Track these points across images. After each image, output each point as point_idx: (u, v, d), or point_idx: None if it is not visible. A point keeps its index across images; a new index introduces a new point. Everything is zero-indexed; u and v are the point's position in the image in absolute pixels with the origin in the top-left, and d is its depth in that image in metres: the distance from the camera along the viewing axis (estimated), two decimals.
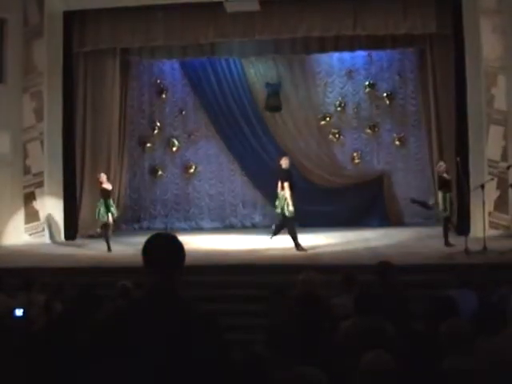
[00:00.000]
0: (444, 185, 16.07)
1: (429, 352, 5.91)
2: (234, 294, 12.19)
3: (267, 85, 21.76)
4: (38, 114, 19.02)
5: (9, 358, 6.34)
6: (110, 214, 17.15)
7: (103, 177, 17.42)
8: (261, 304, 9.89)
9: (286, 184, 16.17)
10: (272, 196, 21.57)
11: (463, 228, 16.78)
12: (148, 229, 21.52)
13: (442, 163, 16.59)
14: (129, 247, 16.42)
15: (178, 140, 22.62)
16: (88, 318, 6.93)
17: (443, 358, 5.52)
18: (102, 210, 17.04)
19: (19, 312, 8.34)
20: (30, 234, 18.81)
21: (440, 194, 16.15)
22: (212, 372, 3.60)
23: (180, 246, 3.83)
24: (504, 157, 17.18)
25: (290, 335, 5.30)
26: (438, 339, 5.74)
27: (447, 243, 15.64)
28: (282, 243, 17.05)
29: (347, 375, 5.02)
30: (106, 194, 17.23)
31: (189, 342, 3.59)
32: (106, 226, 17.29)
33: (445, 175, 16.14)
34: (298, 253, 15.39)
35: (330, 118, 21.89)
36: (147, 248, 3.81)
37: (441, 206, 16.10)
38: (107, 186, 17.39)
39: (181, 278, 3.77)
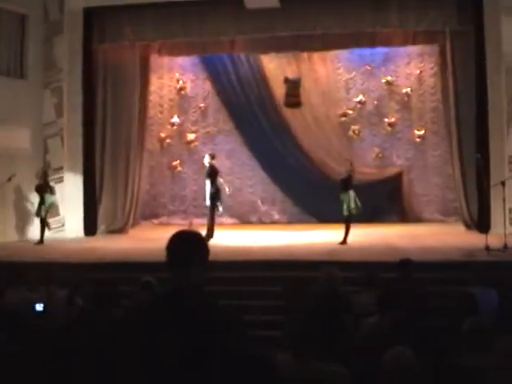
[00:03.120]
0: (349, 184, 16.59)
1: (450, 349, 5.90)
2: (254, 290, 12.17)
3: (287, 80, 21.75)
4: (58, 110, 19.13)
5: (29, 354, 6.35)
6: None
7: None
8: (281, 300, 9.90)
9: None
10: (291, 192, 21.67)
11: (483, 225, 16.70)
12: (167, 224, 21.57)
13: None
14: (148, 243, 16.45)
15: (196, 136, 22.66)
16: (108, 314, 6.95)
17: (464, 355, 5.51)
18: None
19: (39, 307, 8.37)
20: (50, 229, 18.88)
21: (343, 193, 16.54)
22: (235, 369, 3.59)
23: (204, 242, 3.83)
24: None
25: (311, 332, 5.28)
26: (459, 336, 5.72)
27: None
28: (301, 239, 17.08)
29: (369, 372, 5.02)
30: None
31: (211, 339, 3.59)
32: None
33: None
34: (317, 249, 15.31)
35: (349, 115, 21.87)
36: (171, 244, 3.81)
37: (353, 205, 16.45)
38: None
39: (204, 275, 3.77)
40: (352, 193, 16.42)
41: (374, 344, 5.81)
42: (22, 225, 18.72)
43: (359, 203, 16.40)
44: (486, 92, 17.60)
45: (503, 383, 4.90)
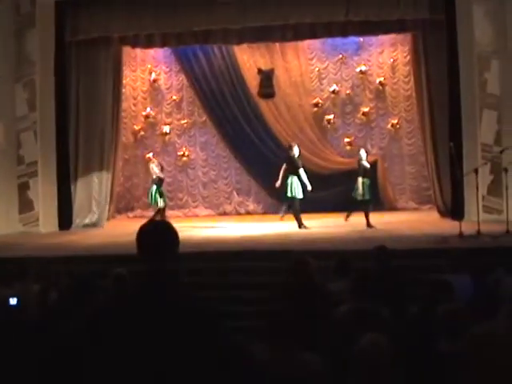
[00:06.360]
0: (365, 171, 17.39)
1: (425, 336, 5.93)
2: (230, 281, 12.16)
3: (260, 71, 21.77)
4: (31, 104, 18.94)
5: (2, 348, 6.32)
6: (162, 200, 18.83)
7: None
8: (256, 290, 9.90)
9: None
10: (266, 183, 21.54)
11: (457, 212, 16.80)
12: (142, 217, 21.52)
13: (362, 151, 17.84)
14: (122, 236, 16.39)
15: (170, 127, 22.62)
16: (83, 307, 6.92)
17: (439, 341, 5.54)
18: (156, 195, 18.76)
19: (13, 301, 8.30)
20: (24, 224, 18.76)
21: (360, 180, 17.31)
22: (210, 359, 3.58)
23: (174, 232, 3.80)
24: (497, 141, 17.17)
25: (288, 322, 5.29)
26: (433, 323, 5.75)
27: (369, 225, 17.00)
28: (277, 229, 17.10)
29: (344, 360, 5.03)
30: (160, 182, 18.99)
31: (185, 331, 3.57)
32: (158, 211, 18.95)
33: (364, 162, 17.46)
34: (293, 239, 15.36)
35: (323, 104, 21.91)
36: (140, 235, 3.78)
37: (360, 191, 17.33)
38: (160, 174, 19.08)
39: (175, 265, 3.75)
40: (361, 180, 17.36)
41: (347, 332, 5.83)
42: None
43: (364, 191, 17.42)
44: (459, 80, 17.67)
45: (478, 369, 4.92)
